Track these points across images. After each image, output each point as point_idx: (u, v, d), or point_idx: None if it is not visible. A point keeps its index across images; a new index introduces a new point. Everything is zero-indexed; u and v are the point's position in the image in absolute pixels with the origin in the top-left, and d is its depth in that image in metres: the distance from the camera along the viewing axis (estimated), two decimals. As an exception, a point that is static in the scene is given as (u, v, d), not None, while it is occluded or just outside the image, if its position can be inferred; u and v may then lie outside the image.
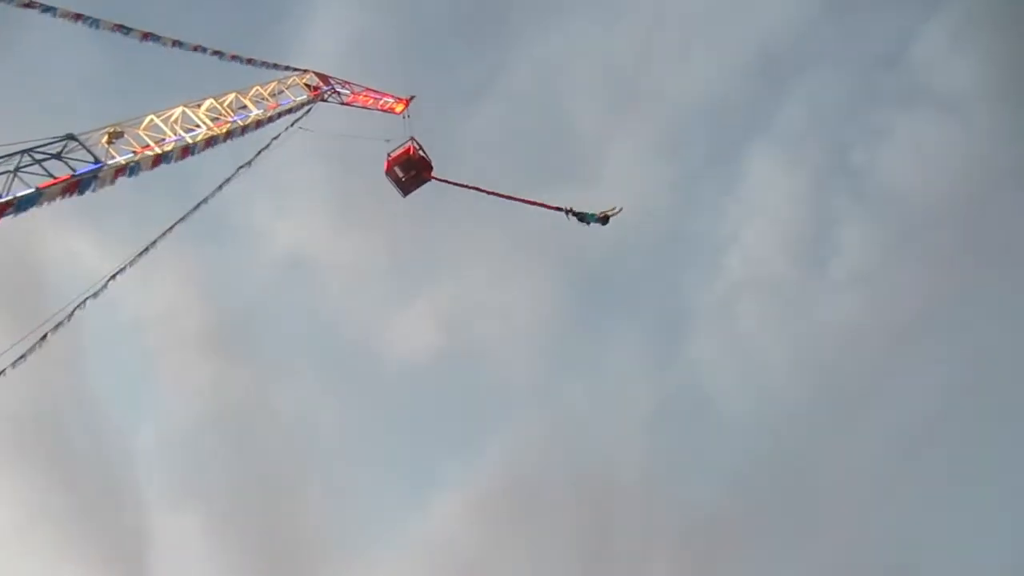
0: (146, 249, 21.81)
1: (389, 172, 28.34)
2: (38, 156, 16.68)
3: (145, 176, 19.48)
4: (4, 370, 17.70)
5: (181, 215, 22.81)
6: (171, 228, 22.53)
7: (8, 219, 16.47)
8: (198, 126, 20.50)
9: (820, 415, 61.68)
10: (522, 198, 26.01)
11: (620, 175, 67.19)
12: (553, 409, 66.17)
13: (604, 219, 24.14)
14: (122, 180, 18.64)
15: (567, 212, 24.48)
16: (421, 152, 28.21)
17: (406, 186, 28.56)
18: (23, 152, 16.46)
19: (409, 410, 66.30)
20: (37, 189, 16.24)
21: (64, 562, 46.95)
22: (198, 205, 23.15)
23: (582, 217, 24.35)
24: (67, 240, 48.33)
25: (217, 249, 59.80)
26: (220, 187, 23.68)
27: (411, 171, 28.16)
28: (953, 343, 57.07)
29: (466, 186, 27.22)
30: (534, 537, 60.51)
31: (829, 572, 55.69)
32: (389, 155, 28.36)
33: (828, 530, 56.59)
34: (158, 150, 18.96)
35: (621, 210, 23.99)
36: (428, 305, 64.87)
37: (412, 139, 28.35)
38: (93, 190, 17.11)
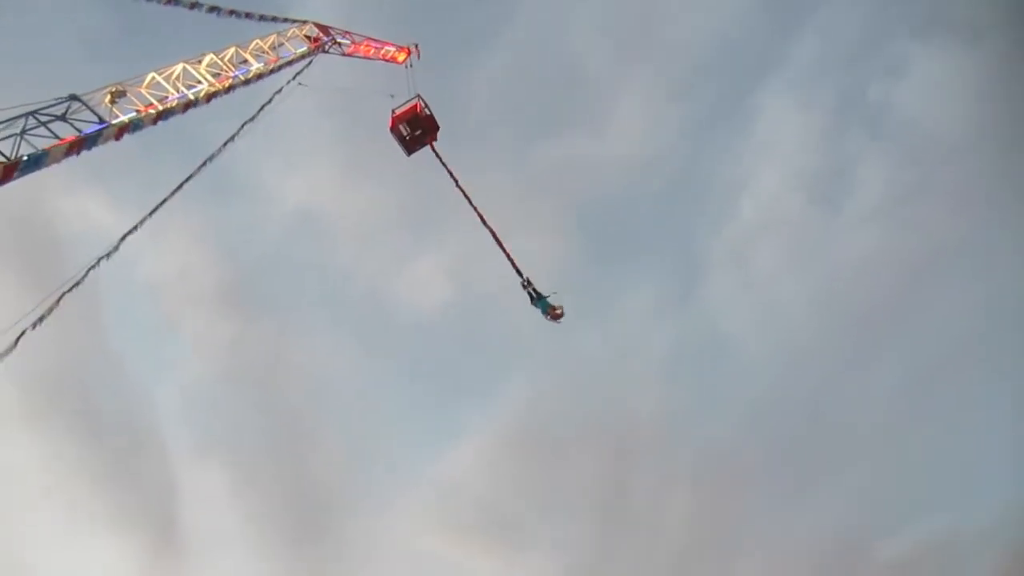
0: (156, 208, 21.94)
1: (394, 130, 27.58)
2: (43, 118, 16.76)
3: (154, 137, 19.65)
4: (24, 332, 18.04)
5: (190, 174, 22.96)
6: (180, 187, 22.62)
7: (18, 181, 16.73)
8: (199, 82, 20.45)
9: (837, 353, 61.91)
10: (496, 233, 24.38)
11: (630, 119, 66.35)
12: (568, 354, 66.68)
13: (552, 314, 23.02)
14: (128, 138, 18.82)
15: (524, 283, 23.52)
16: (428, 111, 27.46)
17: (411, 145, 27.77)
18: (27, 115, 16.51)
19: (425, 360, 67.07)
20: (43, 150, 16.36)
21: (97, 514, 48.56)
22: (205, 163, 23.21)
23: (533, 297, 23.30)
24: (80, 202, 48.67)
25: (228, 207, 60.08)
26: (225, 144, 23.67)
27: (417, 130, 27.41)
28: (971, 279, 56.71)
29: (453, 177, 26.08)
30: (553, 481, 61.72)
31: (847, 507, 56.48)
32: (394, 112, 27.59)
33: (845, 467, 57.34)
34: (161, 107, 18.98)
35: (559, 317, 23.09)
36: (440, 255, 65.13)
37: (419, 96, 27.58)
38: (96, 146, 17.21)
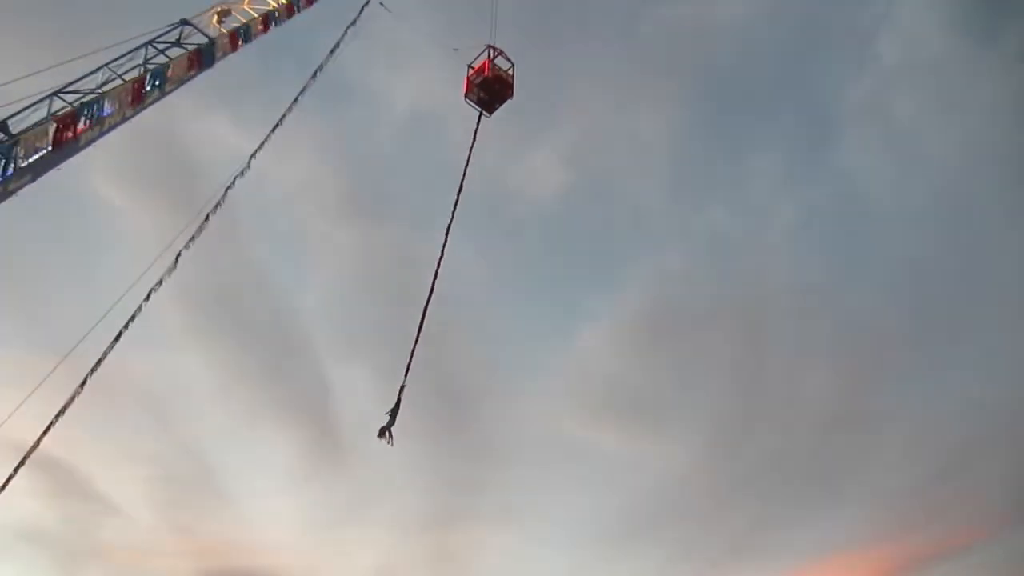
0: (278, 123, 22.53)
1: (469, 95, 25.42)
2: (160, 46, 17.38)
3: (268, 56, 20.06)
4: (180, 252, 19.44)
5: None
6: (296, 99, 23.04)
7: (152, 109, 17.63)
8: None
9: (991, 206, 56.59)
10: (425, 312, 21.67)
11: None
12: (695, 229, 64.87)
13: (386, 429, 19.22)
14: (244, 58, 19.46)
15: (401, 388, 20.04)
16: (498, 68, 25.19)
17: (490, 106, 25.58)
18: (146, 44, 17.16)
19: (550, 246, 66.96)
20: (167, 76, 17.06)
21: (262, 414, 53.52)
22: (316, 72, 23.46)
23: (394, 408, 19.58)
24: (209, 127, 50.75)
25: (343, 114, 60.82)
26: (333, 51, 23.75)
27: (493, 89, 25.30)
28: None
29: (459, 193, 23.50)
30: (687, 359, 61.64)
31: (1003, 378, 52.82)
32: (469, 69, 25.52)
33: (1002, 331, 53.34)
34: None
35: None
36: (555, 141, 63.67)
37: (488, 49, 25.36)
38: (216, 61, 17.81)
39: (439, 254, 22.65)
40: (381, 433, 19.07)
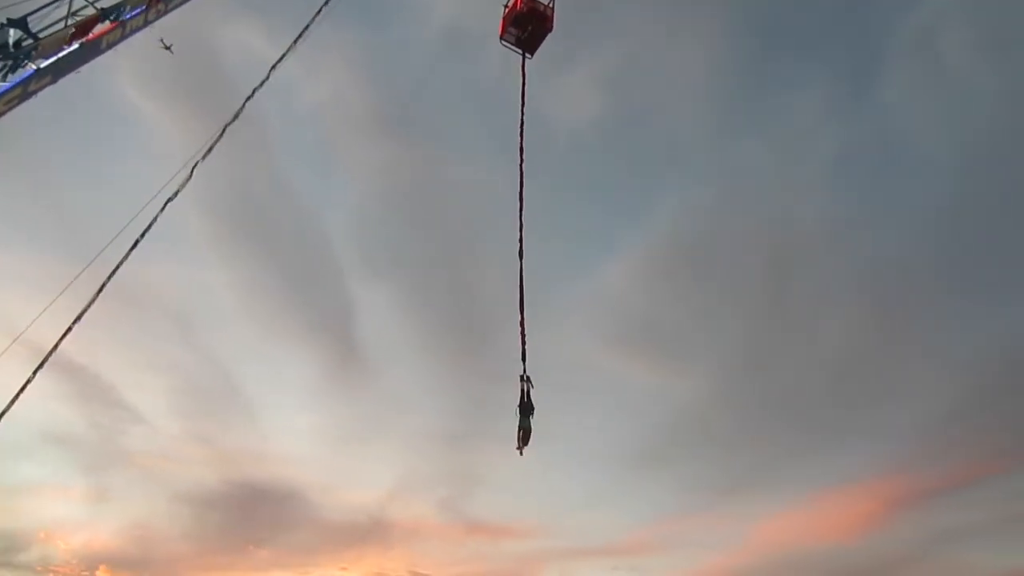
0: (300, 35, 21.83)
1: (505, 38, 23.49)
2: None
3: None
4: (196, 163, 19.19)
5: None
6: (320, 9, 22.30)
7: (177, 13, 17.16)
8: None
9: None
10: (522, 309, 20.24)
11: None
12: (728, 163, 63.33)
13: (523, 437, 18.32)
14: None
15: (524, 377, 18.86)
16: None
17: (530, 44, 23.50)
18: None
19: (579, 176, 65.86)
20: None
21: (284, 330, 54.43)
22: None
23: (523, 402, 18.56)
24: (239, 35, 49.70)
25: (376, 29, 59.29)
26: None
27: (529, 25, 23.14)
28: None
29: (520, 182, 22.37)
30: (710, 294, 61.19)
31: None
32: (505, 5, 23.54)
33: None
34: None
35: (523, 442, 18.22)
36: (591, 67, 61.65)
37: None
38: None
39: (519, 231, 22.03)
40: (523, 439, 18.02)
